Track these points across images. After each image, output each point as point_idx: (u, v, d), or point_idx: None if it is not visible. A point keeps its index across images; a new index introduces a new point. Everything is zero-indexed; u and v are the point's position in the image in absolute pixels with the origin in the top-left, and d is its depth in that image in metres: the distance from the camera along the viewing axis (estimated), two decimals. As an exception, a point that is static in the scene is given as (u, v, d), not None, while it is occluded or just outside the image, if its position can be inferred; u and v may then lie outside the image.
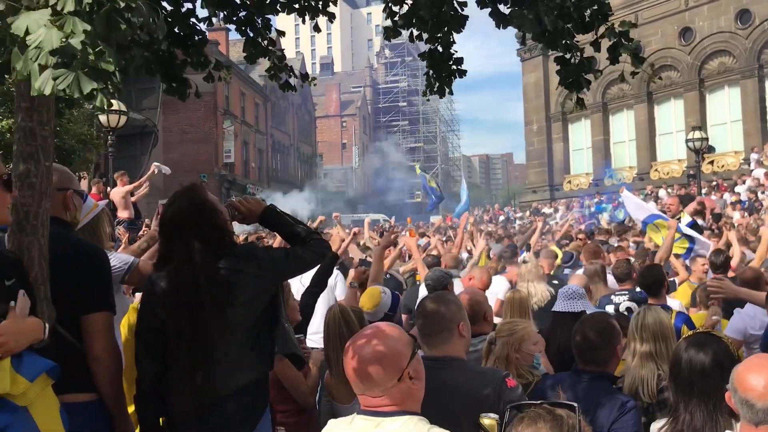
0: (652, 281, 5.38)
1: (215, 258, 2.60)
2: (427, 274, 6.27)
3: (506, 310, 5.11)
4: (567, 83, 3.63)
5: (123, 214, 11.34)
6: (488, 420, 1.99)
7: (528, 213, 31.70)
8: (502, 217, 33.54)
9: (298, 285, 4.77)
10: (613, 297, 5.84)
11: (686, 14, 28.54)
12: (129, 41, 3.27)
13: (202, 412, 2.55)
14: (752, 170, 23.60)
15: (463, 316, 2.88)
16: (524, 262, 7.13)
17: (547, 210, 31.00)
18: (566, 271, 7.93)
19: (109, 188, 12.30)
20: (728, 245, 7.99)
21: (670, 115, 30.04)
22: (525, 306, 4.99)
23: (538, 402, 1.91)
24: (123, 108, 14.45)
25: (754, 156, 24.42)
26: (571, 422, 1.78)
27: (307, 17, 4.06)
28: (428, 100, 4.94)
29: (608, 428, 2.92)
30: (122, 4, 1.84)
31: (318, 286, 4.43)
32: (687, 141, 23.16)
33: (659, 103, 30.61)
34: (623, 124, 32.05)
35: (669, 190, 24.83)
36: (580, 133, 33.86)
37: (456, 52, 3.97)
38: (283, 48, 4.52)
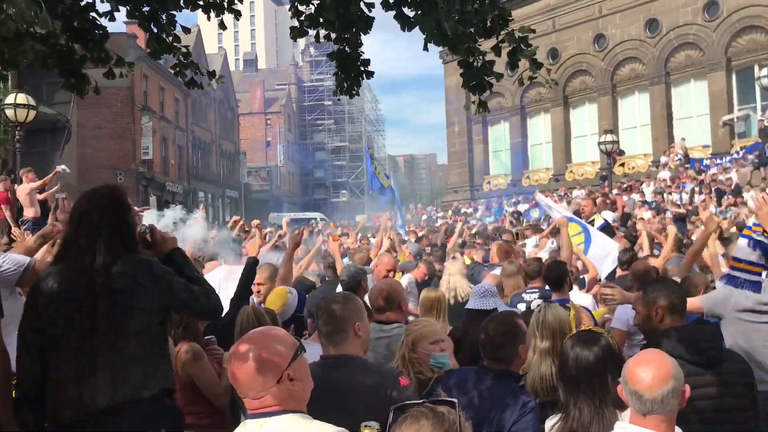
0: (555, 276, 5.64)
1: (115, 262, 2.54)
2: (342, 270, 6.32)
3: (420, 309, 5.24)
4: (470, 86, 3.73)
5: (29, 212, 10.87)
6: (368, 430, 2.03)
7: (450, 212, 32.23)
8: (424, 217, 33.97)
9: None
10: (524, 295, 6.04)
11: (600, 21, 29.70)
12: (20, 34, 3.16)
13: (87, 424, 2.44)
14: (659, 174, 24.82)
15: (360, 317, 2.93)
16: (453, 258, 7.31)
17: (467, 210, 31.62)
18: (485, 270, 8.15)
19: (16, 185, 11.77)
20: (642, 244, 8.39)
21: (585, 118, 31.20)
22: (437, 305, 5.10)
23: (420, 401, 1.96)
24: (32, 102, 13.86)
25: (664, 159, 25.66)
26: (451, 418, 1.84)
27: (212, 14, 4.01)
28: (339, 99, 4.97)
29: (509, 428, 3.00)
30: (-5, -4, 1.79)
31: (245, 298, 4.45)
32: (599, 144, 24.15)
33: (575, 107, 31.73)
34: (540, 127, 33.06)
35: (583, 191, 25.80)
36: (500, 135, 34.72)
37: (363, 53, 4.01)
38: (188, 45, 4.43)
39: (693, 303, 3.99)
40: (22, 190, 11.01)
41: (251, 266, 4.78)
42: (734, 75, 26.01)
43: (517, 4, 31.16)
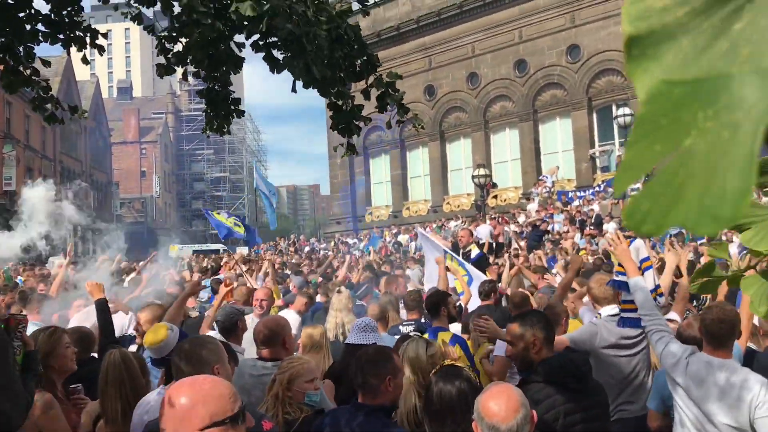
0: (432, 304, 5.79)
1: None
2: (218, 311, 6.14)
3: (302, 347, 5.18)
4: (339, 128, 3.81)
5: None
6: None
7: (333, 244, 32.28)
8: (307, 248, 33.79)
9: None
10: (401, 327, 6.14)
11: (473, 61, 31.15)
12: None
13: None
14: (528, 206, 26.15)
15: (220, 359, 2.89)
16: (338, 292, 7.24)
17: (350, 240, 31.81)
18: (357, 302, 8.17)
19: None
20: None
21: (460, 152, 32.44)
22: (316, 341, 5.08)
23: None
24: None
25: (534, 191, 27.06)
26: None
27: (73, 48, 3.87)
28: (208, 136, 4.90)
29: None
30: None
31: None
32: (473, 177, 25.15)
33: (450, 141, 32.93)
34: (419, 160, 34.02)
35: (460, 222, 26.69)
36: (380, 167, 35.38)
37: (234, 92, 4.00)
38: (48, 78, 4.24)
39: (560, 341, 4.19)
40: None
41: (101, 311, 4.56)
42: (595, 113, 28.07)
43: (395, 42, 32.20)
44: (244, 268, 12.15)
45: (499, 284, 8.18)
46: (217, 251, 31.29)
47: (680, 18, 0.32)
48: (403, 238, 27.43)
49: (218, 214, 20.22)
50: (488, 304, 6.97)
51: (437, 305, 5.77)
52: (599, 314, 4.86)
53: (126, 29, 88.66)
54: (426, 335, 5.21)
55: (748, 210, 1.01)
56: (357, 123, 3.81)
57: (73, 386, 3.70)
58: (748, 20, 0.29)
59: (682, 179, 0.31)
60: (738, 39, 0.30)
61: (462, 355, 4.99)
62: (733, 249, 8.36)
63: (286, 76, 3.37)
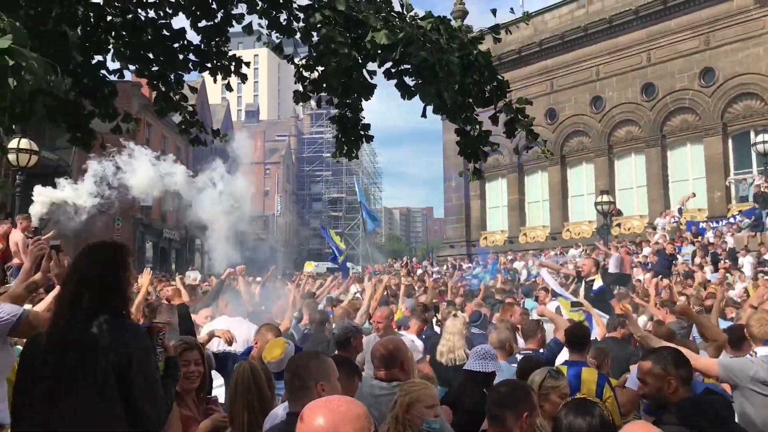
0: (577, 337, 5.55)
1: (95, 318, 2.54)
2: (335, 326, 6.26)
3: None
4: (466, 153, 3.81)
5: (17, 259, 10.78)
6: None
7: (445, 267, 32.19)
8: (419, 271, 33.89)
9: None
10: (517, 355, 6.02)
11: (597, 84, 30.29)
12: (32, 91, 3.25)
13: None
14: (654, 236, 24.89)
15: (326, 375, 2.93)
16: (454, 315, 7.17)
17: (465, 264, 31.59)
18: (473, 330, 8.06)
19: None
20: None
21: (582, 178, 31.51)
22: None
23: None
24: (34, 147, 13.99)
25: (660, 221, 25.72)
26: None
27: (219, 77, 4.13)
28: (338, 161, 4.99)
29: None
30: (11, 63, 1.85)
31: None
32: (596, 204, 24.32)
33: (572, 167, 32.07)
34: (537, 185, 33.36)
35: (581, 250, 25.83)
36: (497, 191, 34.98)
37: (364, 117, 4.11)
38: (194, 104, 4.54)
39: (708, 364, 3.93)
40: (14, 236, 10.97)
41: (183, 316, 4.72)
42: (730, 140, 26.42)
43: (515, 66, 31.89)
44: (358, 287, 12.33)
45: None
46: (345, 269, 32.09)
47: None
48: (518, 264, 26.90)
49: (334, 234, 20.91)
50: (614, 336, 6.67)
51: (583, 339, 5.50)
52: (754, 352, 4.57)
53: (255, 55, 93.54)
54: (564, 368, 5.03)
55: None
56: (484, 149, 3.79)
57: (209, 396, 3.88)
58: None
59: None
60: None
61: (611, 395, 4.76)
62: None
63: (402, 98, 3.43)
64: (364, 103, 4.05)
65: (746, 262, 17.65)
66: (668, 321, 7.66)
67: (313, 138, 73.46)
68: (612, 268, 19.88)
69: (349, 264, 31.87)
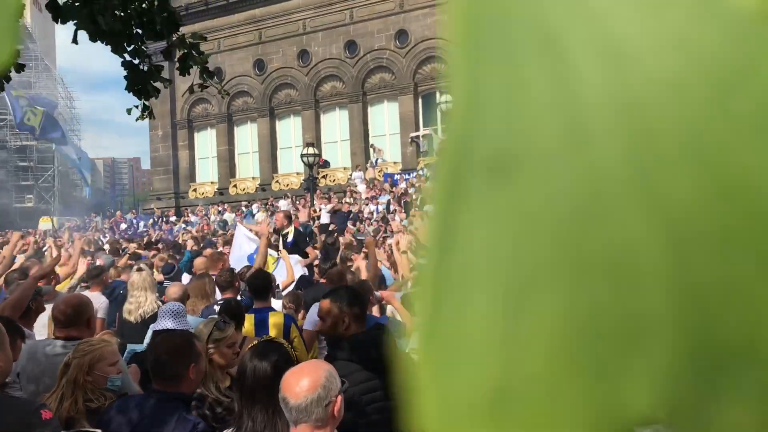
0: (259, 285, 5.58)
1: None
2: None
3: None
4: (135, 90, 3.46)
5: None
6: None
7: (151, 221, 30.65)
8: (123, 225, 31.82)
9: None
10: (215, 307, 5.87)
11: (304, 38, 30.85)
12: None
13: None
14: (356, 185, 26.51)
15: None
16: (139, 269, 6.77)
17: (173, 218, 30.41)
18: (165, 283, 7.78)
19: None
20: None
21: (290, 130, 32.12)
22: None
23: None
24: None
25: (357, 174, 27.48)
26: None
27: None
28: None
29: None
30: None
31: None
32: (302, 156, 25.00)
33: (281, 119, 32.47)
34: (247, 136, 33.21)
35: (287, 201, 26.44)
36: (206, 141, 34.08)
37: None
38: None
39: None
40: None
41: None
42: (420, 99, 29.01)
43: (224, 12, 31.01)
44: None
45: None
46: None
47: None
48: (229, 216, 26.68)
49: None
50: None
51: (266, 287, 5.59)
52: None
53: None
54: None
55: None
56: (155, 84, 3.48)
57: None
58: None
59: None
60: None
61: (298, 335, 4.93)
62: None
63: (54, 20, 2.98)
64: (57, 40, 3.46)
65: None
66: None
67: (-8, 76, 63.71)
68: (324, 219, 20.88)
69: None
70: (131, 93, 3.47)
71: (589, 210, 0.12)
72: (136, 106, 3.57)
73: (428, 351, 0.13)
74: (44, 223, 32.75)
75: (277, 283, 7.70)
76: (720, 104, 0.13)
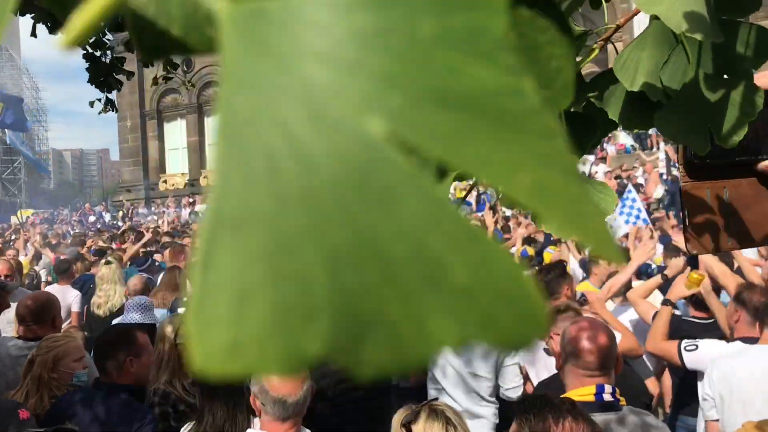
0: None
1: None
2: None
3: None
4: (97, 82, 3.40)
5: None
6: None
7: (120, 213, 30.29)
8: (92, 217, 31.40)
9: None
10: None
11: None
12: None
13: None
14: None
15: None
16: (107, 263, 6.69)
17: (142, 210, 30.07)
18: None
19: None
20: None
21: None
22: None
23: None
24: None
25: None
26: None
27: None
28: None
29: None
30: None
31: None
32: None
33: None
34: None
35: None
36: (176, 132, 33.71)
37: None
38: None
39: None
40: None
41: None
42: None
43: None
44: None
45: None
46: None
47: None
48: (201, 208, 26.44)
49: None
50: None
51: None
52: None
53: None
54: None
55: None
56: (117, 77, 3.41)
57: None
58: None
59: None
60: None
61: None
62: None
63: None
64: (21, 31, 3.37)
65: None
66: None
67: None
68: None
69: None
70: (94, 86, 3.40)
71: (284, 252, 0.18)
72: (99, 99, 3.50)
73: (191, 307, 0.18)
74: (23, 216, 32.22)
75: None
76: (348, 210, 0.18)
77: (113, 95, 3.50)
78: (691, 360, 3.65)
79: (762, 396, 3.10)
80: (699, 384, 3.56)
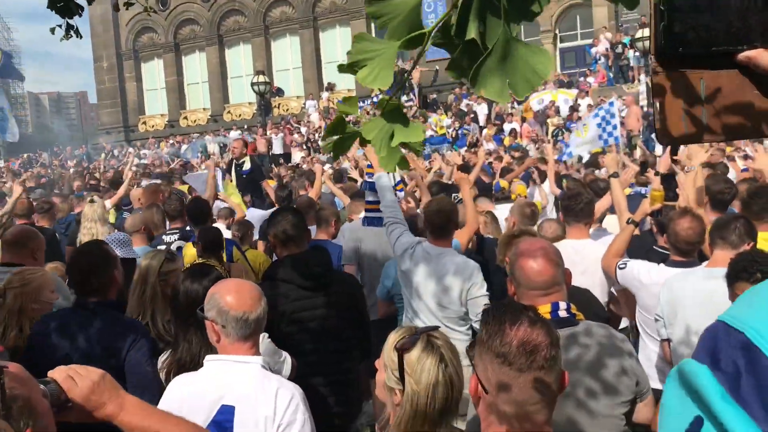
0: (196, 212, 5.67)
1: None
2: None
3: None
4: (57, 8, 3.33)
5: None
6: None
7: (103, 156, 29.89)
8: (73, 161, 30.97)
9: None
10: (164, 236, 5.87)
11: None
12: None
13: None
14: (310, 115, 26.17)
15: None
16: (91, 201, 6.68)
17: (122, 151, 29.71)
18: (125, 215, 7.71)
19: None
20: None
21: (240, 58, 31.26)
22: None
23: None
24: None
25: (310, 102, 27.08)
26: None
27: None
28: None
29: (125, 352, 2.92)
30: None
31: None
32: (252, 84, 24.45)
33: (230, 47, 31.54)
34: (196, 66, 32.24)
35: (239, 132, 26.00)
36: (154, 72, 33.00)
37: None
38: None
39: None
40: None
41: None
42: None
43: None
44: None
45: None
46: None
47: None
48: (185, 147, 26.21)
49: None
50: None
51: (204, 214, 5.64)
52: None
53: None
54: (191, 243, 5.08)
55: (364, 45, 0.97)
56: (77, 1, 3.34)
57: None
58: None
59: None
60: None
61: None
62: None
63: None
64: None
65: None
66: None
67: None
68: (276, 149, 20.73)
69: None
70: (54, 11, 3.33)
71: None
72: (59, 26, 3.43)
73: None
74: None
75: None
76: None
77: (75, 21, 3.43)
78: (621, 276, 3.77)
79: (705, 318, 3.18)
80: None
